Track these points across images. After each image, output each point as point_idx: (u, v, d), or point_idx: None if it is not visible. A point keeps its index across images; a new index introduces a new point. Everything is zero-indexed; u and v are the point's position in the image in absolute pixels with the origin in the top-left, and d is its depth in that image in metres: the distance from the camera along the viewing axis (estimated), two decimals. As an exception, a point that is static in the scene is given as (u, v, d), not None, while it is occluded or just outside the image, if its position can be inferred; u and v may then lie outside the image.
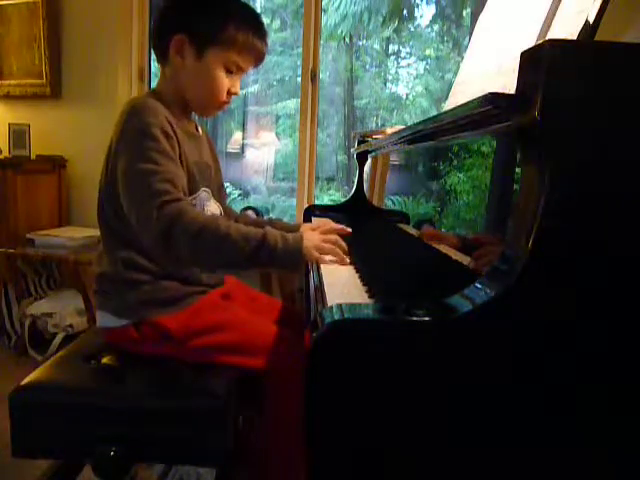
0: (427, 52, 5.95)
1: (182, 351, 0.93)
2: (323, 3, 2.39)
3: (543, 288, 0.49)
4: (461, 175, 0.88)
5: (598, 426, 0.52)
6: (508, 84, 0.68)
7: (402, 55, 6.10)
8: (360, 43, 5.98)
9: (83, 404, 0.87)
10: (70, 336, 2.09)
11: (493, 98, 0.52)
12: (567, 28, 0.63)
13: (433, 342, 0.50)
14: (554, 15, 0.70)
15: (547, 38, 0.48)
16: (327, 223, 1.14)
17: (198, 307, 0.96)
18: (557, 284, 0.49)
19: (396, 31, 5.66)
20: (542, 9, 0.72)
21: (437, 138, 0.85)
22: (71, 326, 2.15)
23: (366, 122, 5.77)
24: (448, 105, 1.04)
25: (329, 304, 0.62)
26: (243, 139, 5.42)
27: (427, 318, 0.50)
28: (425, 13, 6.08)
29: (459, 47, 5.41)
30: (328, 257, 0.90)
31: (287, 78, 5.58)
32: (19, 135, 2.46)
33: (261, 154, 5.43)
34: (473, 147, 0.83)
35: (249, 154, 5.44)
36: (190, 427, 0.85)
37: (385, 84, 5.99)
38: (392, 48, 5.99)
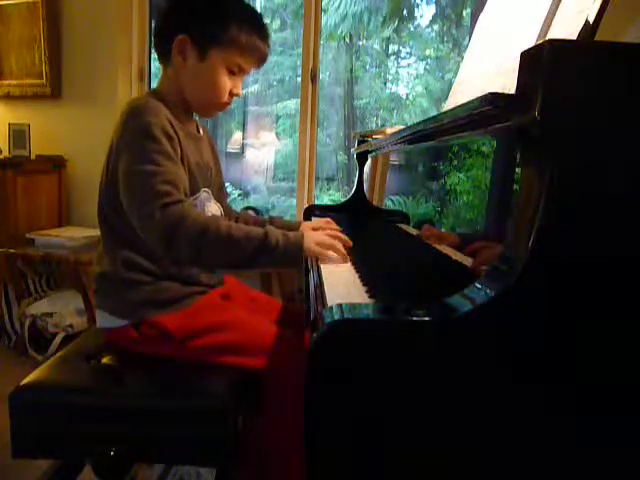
0: (427, 52, 5.95)
1: (182, 351, 0.93)
2: (323, 3, 2.39)
3: (543, 288, 0.49)
4: (461, 175, 0.88)
5: (598, 426, 0.52)
6: (508, 84, 0.68)
7: (402, 55, 6.10)
8: (360, 43, 5.98)
9: (83, 404, 0.87)
10: (70, 336, 2.09)
11: (493, 98, 0.52)
12: (567, 28, 0.63)
13: (433, 342, 0.50)
14: (554, 15, 0.70)
15: (547, 38, 0.48)
16: (329, 222, 1.14)
17: (198, 307, 0.96)
18: (557, 284, 0.49)
19: (396, 31, 5.66)
20: (542, 9, 0.72)
21: (437, 138, 0.85)
22: (71, 326, 2.15)
23: (366, 122, 5.77)
24: (448, 105, 1.04)
25: (329, 304, 0.62)
26: (243, 139, 5.42)
27: (427, 318, 0.50)
28: (425, 13, 6.08)
29: (459, 47, 5.41)
30: (329, 252, 0.90)
31: (287, 78, 5.58)
32: (19, 135, 2.46)
33: (261, 154, 5.43)
34: (473, 147, 0.83)
35: (249, 154, 5.44)
36: (190, 427, 0.85)
37: (385, 84, 6.00)
38: (392, 48, 5.99)
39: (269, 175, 5.45)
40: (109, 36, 2.41)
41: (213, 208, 1.05)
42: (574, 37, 0.59)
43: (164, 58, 0.99)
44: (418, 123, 0.89)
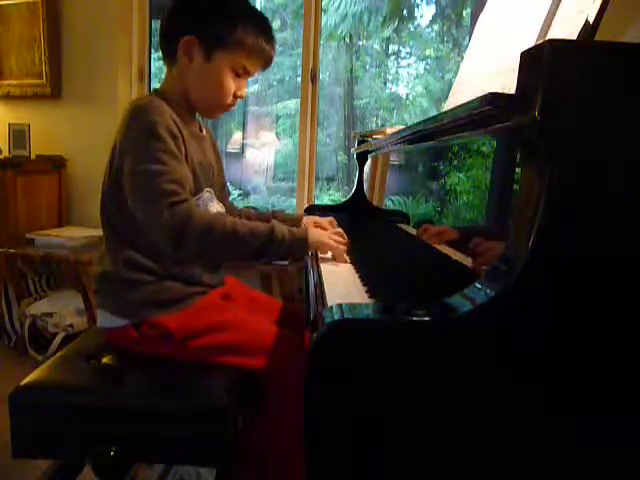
0: (427, 52, 5.95)
1: (182, 351, 0.93)
2: (323, 3, 2.39)
3: (543, 288, 0.49)
4: (461, 175, 0.88)
5: (598, 426, 0.52)
6: (508, 84, 0.68)
7: (402, 55, 6.11)
8: (360, 43, 5.98)
9: (83, 404, 0.87)
10: (70, 336, 2.09)
11: (493, 98, 0.52)
12: (567, 28, 0.63)
13: (433, 342, 0.50)
14: (554, 15, 0.70)
15: (547, 38, 0.48)
16: (332, 222, 1.14)
17: (198, 307, 0.96)
18: (557, 284, 0.49)
19: (396, 31, 5.66)
20: (542, 9, 0.72)
21: (437, 138, 0.85)
22: (71, 326, 2.15)
23: (366, 122, 5.77)
24: (448, 105, 1.04)
25: (329, 304, 0.63)
26: (243, 139, 5.43)
27: (427, 318, 0.50)
28: (425, 13, 6.08)
29: (459, 47, 5.42)
30: (331, 247, 0.94)
31: (287, 78, 5.59)
32: (19, 135, 2.46)
33: (261, 154, 5.43)
34: (473, 147, 0.83)
35: (249, 154, 5.44)
36: (190, 427, 0.85)
37: (385, 84, 6.00)
38: (392, 48, 5.99)
39: (269, 175, 5.46)
40: (109, 36, 2.41)
41: (215, 208, 1.05)
42: (574, 37, 0.59)
43: (169, 58, 0.99)
44: (418, 123, 0.89)
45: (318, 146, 2.53)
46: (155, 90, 1.04)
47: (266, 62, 1.02)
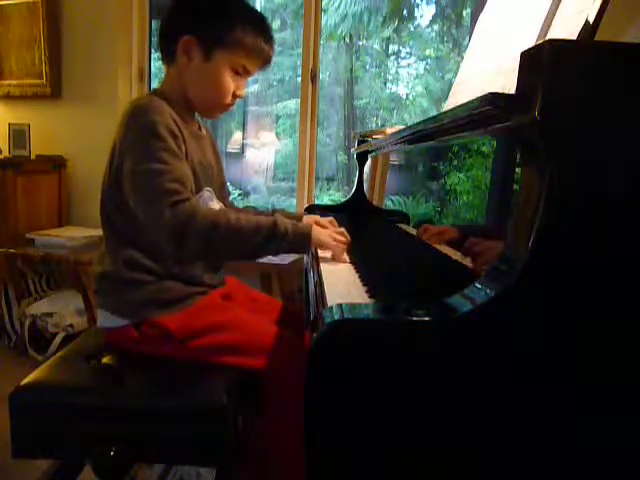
0: (427, 52, 5.95)
1: (182, 351, 0.93)
2: (323, 3, 2.39)
3: (543, 288, 0.49)
4: (461, 175, 0.88)
5: (598, 426, 0.52)
6: (508, 84, 0.68)
7: (402, 55, 6.11)
8: (360, 43, 5.98)
9: (83, 404, 0.87)
10: (70, 336, 2.09)
11: (493, 98, 0.52)
12: (567, 28, 0.63)
13: (433, 342, 0.50)
14: (554, 15, 0.70)
15: (547, 38, 0.48)
16: (332, 222, 1.15)
17: (199, 307, 0.96)
18: (557, 284, 0.49)
19: (396, 31, 5.66)
20: (542, 9, 0.72)
21: (437, 138, 0.85)
22: (71, 326, 2.15)
23: (366, 122, 5.77)
24: (448, 105, 1.04)
25: (329, 304, 0.63)
26: (243, 139, 5.43)
27: (427, 318, 0.50)
28: (425, 13, 6.08)
29: (459, 47, 5.42)
30: (330, 246, 0.95)
31: (287, 78, 5.59)
32: (19, 135, 2.46)
33: (261, 154, 5.43)
34: (473, 147, 0.83)
35: (249, 154, 5.44)
36: (190, 427, 0.85)
37: (385, 84, 6.00)
38: (392, 48, 5.99)
39: (269, 175, 5.46)
40: (109, 36, 2.41)
41: (215, 207, 1.05)
42: (574, 37, 0.59)
43: (168, 58, 0.99)
44: (418, 123, 0.89)
45: (318, 146, 2.53)
46: (154, 90, 1.04)
47: (265, 62, 1.03)
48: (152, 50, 2.58)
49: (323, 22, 2.49)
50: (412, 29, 5.92)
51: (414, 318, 0.50)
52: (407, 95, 5.89)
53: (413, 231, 1.13)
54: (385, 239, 1.25)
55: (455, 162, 0.91)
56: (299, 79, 2.49)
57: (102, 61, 2.43)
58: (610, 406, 0.52)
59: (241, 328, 0.95)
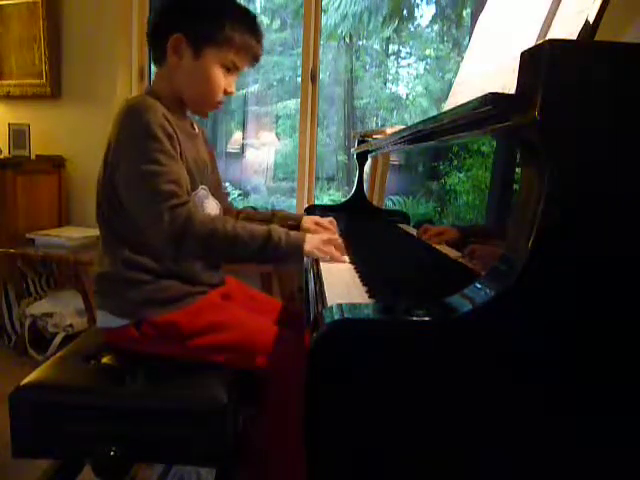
0: (427, 52, 5.95)
1: (182, 350, 0.93)
2: (323, 3, 2.39)
3: (543, 288, 0.49)
4: (461, 175, 0.88)
5: (598, 426, 0.52)
6: (508, 84, 0.68)
7: (402, 55, 6.11)
8: (360, 43, 5.98)
9: (83, 404, 0.87)
10: (70, 336, 2.09)
11: (493, 98, 0.52)
12: (567, 28, 0.63)
13: (433, 342, 0.50)
14: (554, 15, 0.70)
15: (547, 38, 0.48)
16: (332, 222, 1.14)
17: (198, 307, 0.96)
18: (557, 284, 0.49)
19: (396, 31, 5.66)
20: (542, 9, 0.72)
21: (437, 138, 0.85)
22: (71, 326, 2.15)
23: (366, 122, 5.77)
24: (448, 105, 1.04)
25: (329, 304, 0.63)
26: (243, 139, 5.43)
27: (427, 318, 0.50)
28: (425, 13, 6.08)
29: (459, 47, 5.42)
30: (326, 257, 0.93)
31: (287, 78, 5.59)
32: (19, 135, 2.46)
33: (261, 154, 5.43)
34: (473, 147, 0.83)
35: (249, 154, 5.44)
36: (190, 427, 0.85)
37: (385, 84, 6.00)
38: (392, 48, 5.99)
39: (269, 175, 5.46)
40: (109, 36, 2.41)
41: (211, 205, 1.05)
42: (574, 37, 0.59)
43: (158, 57, 1.00)
44: (418, 123, 0.89)
45: (318, 146, 2.52)
46: (147, 90, 1.04)
47: (254, 58, 1.03)
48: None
49: (323, 22, 2.49)
50: (412, 29, 5.92)
51: (414, 318, 0.50)
52: (407, 95, 5.89)
53: (413, 231, 1.13)
54: (385, 239, 1.25)
55: (455, 162, 0.91)
56: (299, 79, 2.49)
57: (102, 61, 2.43)
58: (610, 406, 0.52)
59: (241, 328, 0.95)
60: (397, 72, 6.16)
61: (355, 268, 0.88)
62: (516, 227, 0.52)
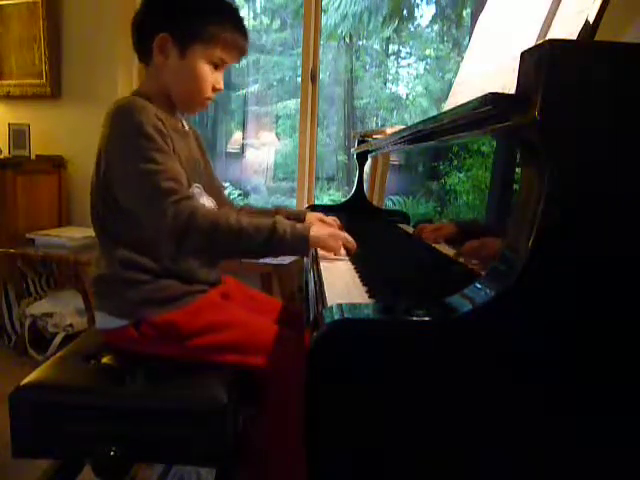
0: (427, 52, 5.96)
1: (182, 351, 0.93)
2: (323, 3, 2.39)
3: (543, 288, 0.49)
4: (461, 175, 0.88)
5: (598, 426, 0.52)
6: (508, 84, 0.68)
7: (402, 55, 6.11)
8: (360, 43, 5.99)
9: (83, 404, 0.87)
10: (70, 336, 2.09)
11: (493, 98, 0.52)
12: (567, 28, 0.63)
13: (433, 342, 0.50)
14: (554, 15, 0.70)
15: (547, 38, 0.48)
16: (336, 221, 1.14)
17: (198, 306, 0.96)
18: (557, 284, 0.49)
19: (396, 31, 5.66)
20: (542, 9, 0.72)
21: (437, 138, 0.85)
22: (71, 326, 2.15)
23: (366, 122, 5.78)
24: (448, 105, 1.04)
25: (329, 304, 0.62)
26: (243, 139, 5.43)
27: (427, 318, 0.50)
28: (425, 13, 6.08)
29: (459, 47, 5.42)
30: (329, 248, 0.93)
31: (287, 78, 5.59)
32: (19, 135, 2.46)
33: (261, 154, 5.44)
34: (473, 147, 0.83)
35: (249, 154, 5.44)
36: (190, 427, 0.85)
37: (385, 84, 6.00)
38: (392, 48, 6.00)
39: (269, 175, 5.46)
40: (109, 36, 2.41)
41: (206, 203, 1.05)
42: (574, 37, 0.59)
43: (145, 57, 1.00)
44: (418, 123, 0.89)
45: (318, 146, 2.53)
46: (136, 90, 1.04)
47: (241, 53, 1.03)
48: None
49: (323, 22, 2.49)
50: (412, 29, 5.92)
51: (414, 318, 0.50)
52: (407, 95, 5.90)
53: (413, 231, 1.13)
54: (385, 239, 1.25)
55: (455, 162, 0.91)
56: (299, 79, 2.49)
57: (102, 61, 2.43)
58: (610, 406, 0.52)
59: (241, 327, 0.95)
60: (397, 72, 6.17)
61: (355, 268, 0.88)
62: (516, 227, 0.52)
